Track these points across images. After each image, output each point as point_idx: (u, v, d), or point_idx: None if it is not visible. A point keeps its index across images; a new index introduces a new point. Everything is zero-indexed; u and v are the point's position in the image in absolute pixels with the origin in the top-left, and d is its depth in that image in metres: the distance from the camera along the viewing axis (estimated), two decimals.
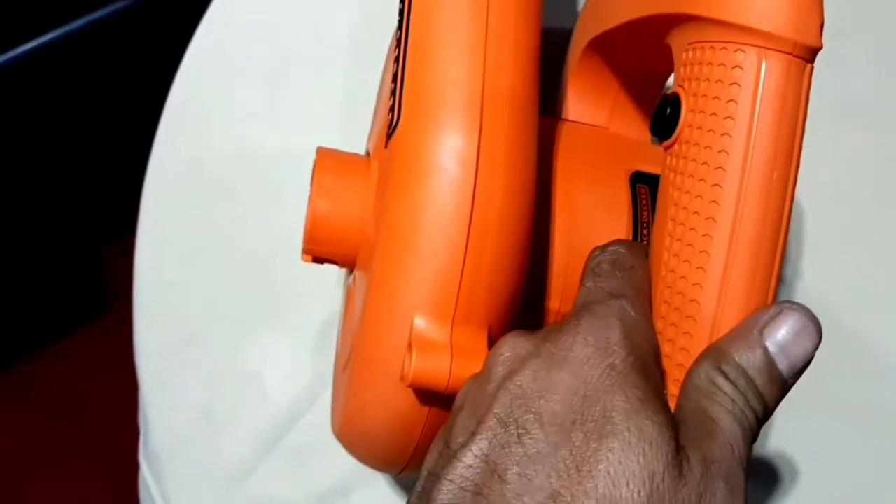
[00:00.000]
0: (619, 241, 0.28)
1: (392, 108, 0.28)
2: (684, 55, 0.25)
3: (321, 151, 0.33)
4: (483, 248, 0.25)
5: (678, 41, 0.26)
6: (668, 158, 0.26)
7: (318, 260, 0.33)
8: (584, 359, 0.23)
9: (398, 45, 0.30)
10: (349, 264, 0.33)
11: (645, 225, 0.33)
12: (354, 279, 0.34)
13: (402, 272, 0.25)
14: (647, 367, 0.24)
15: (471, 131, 0.26)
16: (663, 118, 0.25)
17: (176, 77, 0.48)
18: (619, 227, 0.33)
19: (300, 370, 0.44)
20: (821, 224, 0.47)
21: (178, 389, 0.44)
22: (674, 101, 0.25)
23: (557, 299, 0.32)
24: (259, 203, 0.46)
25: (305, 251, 0.32)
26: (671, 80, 0.27)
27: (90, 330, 0.91)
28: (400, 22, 0.30)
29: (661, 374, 0.24)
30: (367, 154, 0.35)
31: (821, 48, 0.23)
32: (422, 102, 0.26)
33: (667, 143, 0.26)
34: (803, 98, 0.23)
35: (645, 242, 0.33)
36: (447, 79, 0.26)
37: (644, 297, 0.26)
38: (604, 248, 0.28)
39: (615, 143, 0.34)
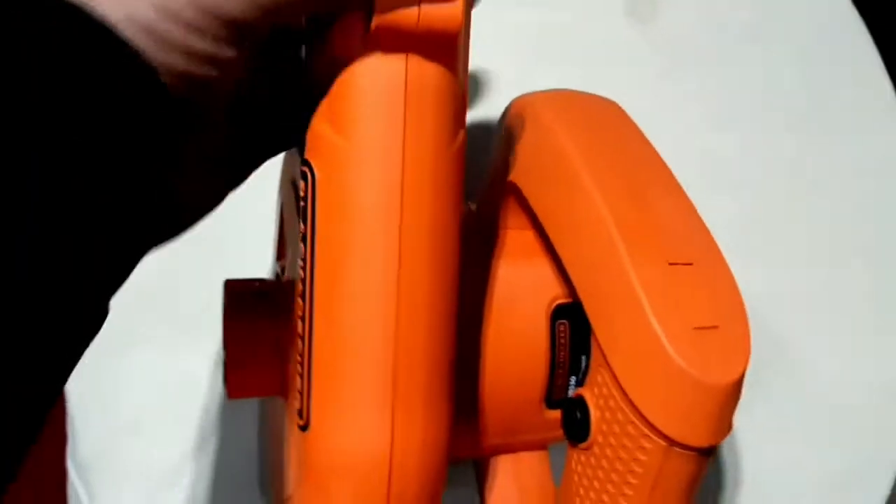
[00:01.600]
0: None
1: (302, 395, 0.27)
2: (600, 376, 0.25)
3: (229, 288, 0.33)
4: None
5: (597, 353, 0.25)
6: (575, 461, 0.26)
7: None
8: None
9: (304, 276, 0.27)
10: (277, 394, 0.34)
11: (560, 365, 0.33)
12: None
13: None
14: None
15: (383, 430, 0.25)
16: (574, 421, 0.25)
17: None
18: (534, 369, 0.33)
19: None
20: (743, 222, 0.47)
21: (106, 394, 0.45)
22: (584, 411, 0.25)
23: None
24: None
25: (230, 395, 0.33)
26: None
27: None
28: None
29: None
30: (277, 276, 0.34)
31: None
32: (330, 401, 0.26)
33: (583, 445, 0.26)
34: (700, 477, 0.23)
35: (559, 383, 0.33)
36: (355, 376, 0.26)
37: None
38: None
39: (538, 268, 0.33)
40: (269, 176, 0.40)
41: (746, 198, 0.49)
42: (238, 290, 0.34)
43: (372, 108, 0.24)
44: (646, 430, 0.23)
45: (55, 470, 0.47)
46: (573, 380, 0.33)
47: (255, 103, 0.27)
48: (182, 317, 0.45)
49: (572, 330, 0.33)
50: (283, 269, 0.35)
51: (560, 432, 0.35)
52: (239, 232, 0.46)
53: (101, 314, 0.24)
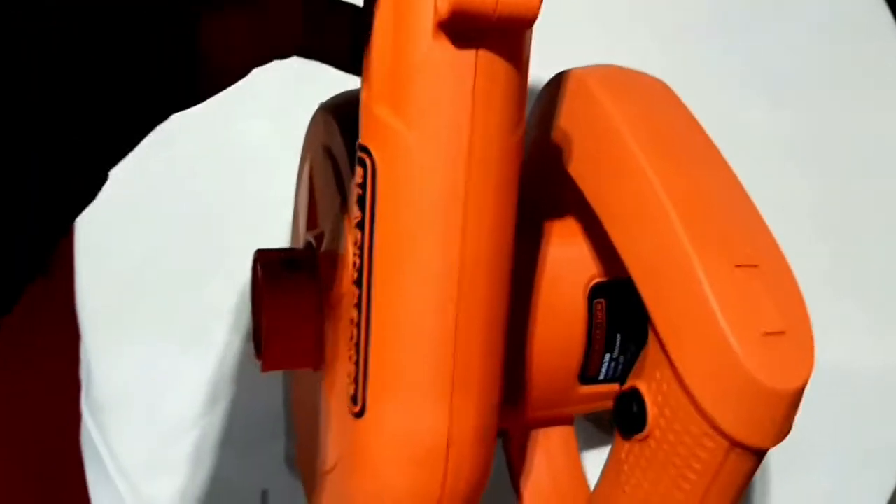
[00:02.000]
0: None
1: (356, 382, 0.27)
2: (659, 373, 0.25)
3: (261, 258, 0.33)
4: None
5: (656, 348, 0.25)
6: (626, 451, 0.26)
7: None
8: None
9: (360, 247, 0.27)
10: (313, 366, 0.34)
11: (597, 343, 0.34)
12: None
13: None
14: None
15: (441, 418, 0.26)
16: (630, 414, 0.26)
17: None
18: (571, 346, 0.33)
19: (246, 323, 0.45)
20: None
21: (122, 338, 0.45)
22: (641, 405, 0.26)
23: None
24: (206, 153, 0.44)
25: (264, 368, 0.33)
26: None
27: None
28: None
29: None
30: (309, 246, 0.34)
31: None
32: (389, 389, 0.26)
33: (637, 436, 0.26)
34: (754, 473, 0.24)
35: (594, 360, 0.34)
36: (415, 365, 0.26)
37: None
38: None
39: (576, 247, 0.33)
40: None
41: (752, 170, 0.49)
42: (271, 261, 0.34)
43: (440, 100, 0.23)
44: (709, 430, 0.23)
45: (69, 413, 0.47)
46: (608, 357, 0.34)
47: None
48: (197, 264, 0.45)
49: (608, 308, 0.34)
50: (317, 240, 0.35)
51: (589, 406, 0.36)
52: (260, 201, 0.46)
53: (99, 181, 0.24)
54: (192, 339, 0.45)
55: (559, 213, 0.34)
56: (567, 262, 0.33)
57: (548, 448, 0.37)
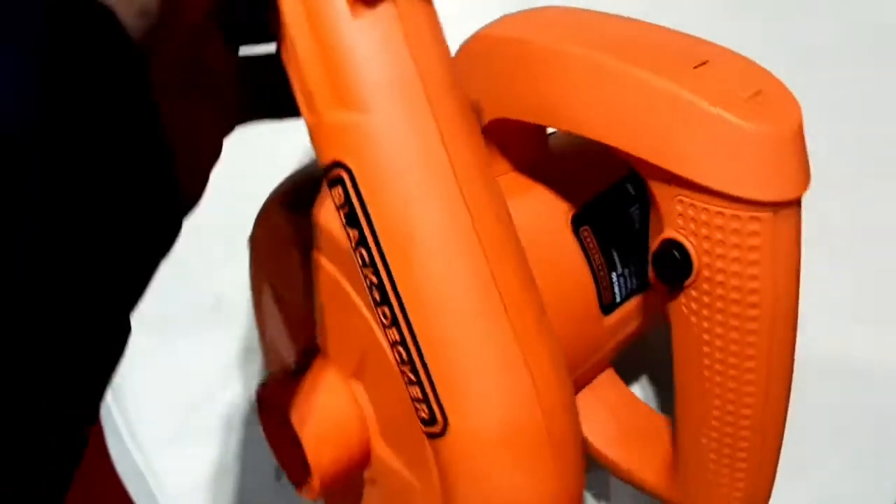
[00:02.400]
0: None
1: (425, 400, 0.26)
2: (678, 207, 0.26)
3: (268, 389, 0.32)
4: None
5: (662, 189, 0.26)
6: (685, 307, 0.27)
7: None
8: None
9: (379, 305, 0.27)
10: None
11: (600, 268, 0.34)
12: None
13: None
14: None
15: (524, 384, 0.26)
16: (675, 262, 0.27)
17: None
18: (582, 282, 0.34)
19: None
20: None
21: (139, 315, 0.42)
22: (679, 247, 0.27)
23: None
24: None
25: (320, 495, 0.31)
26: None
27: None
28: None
29: None
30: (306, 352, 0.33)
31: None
32: (464, 385, 0.26)
33: (687, 282, 0.27)
34: (799, 238, 0.25)
35: (604, 284, 0.34)
36: (478, 341, 0.26)
37: None
38: None
39: (540, 194, 0.34)
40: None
41: None
42: (277, 378, 0.32)
43: (380, 62, 0.24)
44: (747, 212, 0.24)
45: None
46: (614, 276, 0.35)
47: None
48: (214, 235, 0.43)
49: (594, 231, 0.35)
50: (307, 349, 0.34)
51: (622, 335, 0.36)
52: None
53: (120, 328, 0.23)
54: (209, 314, 0.44)
55: (506, 178, 0.35)
56: (540, 208, 0.34)
57: (602, 397, 0.37)
